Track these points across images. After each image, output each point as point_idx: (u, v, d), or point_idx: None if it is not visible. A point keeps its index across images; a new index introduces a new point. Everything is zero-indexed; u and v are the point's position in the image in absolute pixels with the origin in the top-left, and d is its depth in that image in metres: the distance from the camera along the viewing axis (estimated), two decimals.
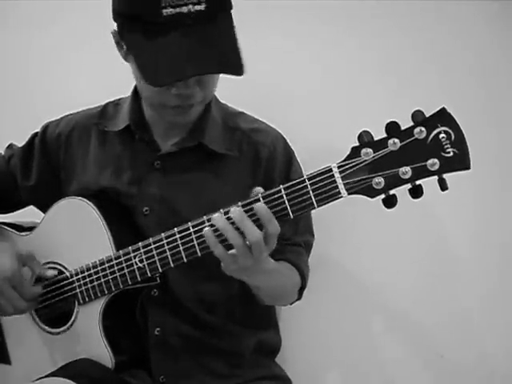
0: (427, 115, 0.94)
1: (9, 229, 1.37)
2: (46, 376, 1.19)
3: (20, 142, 1.45)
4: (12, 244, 1.30)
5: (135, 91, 1.32)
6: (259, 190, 1.02)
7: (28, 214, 1.45)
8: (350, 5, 1.46)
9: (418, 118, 0.94)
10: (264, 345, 1.35)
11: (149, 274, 1.15)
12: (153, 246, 1.13)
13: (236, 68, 1.08)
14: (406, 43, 1.43)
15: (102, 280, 1.19)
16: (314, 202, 0.99)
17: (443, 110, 0.94)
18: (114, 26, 1.17)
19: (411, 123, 0.94)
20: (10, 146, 1.46)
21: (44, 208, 1.33)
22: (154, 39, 1.07)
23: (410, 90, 1.40)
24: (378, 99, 1.42)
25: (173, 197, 1.26)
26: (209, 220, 1.06)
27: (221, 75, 1.19)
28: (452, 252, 1.44)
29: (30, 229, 1.34)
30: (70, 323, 1.25)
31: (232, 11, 1.13)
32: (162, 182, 1.27)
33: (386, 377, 1.49)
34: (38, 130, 1.42)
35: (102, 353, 1.20)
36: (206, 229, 1.03)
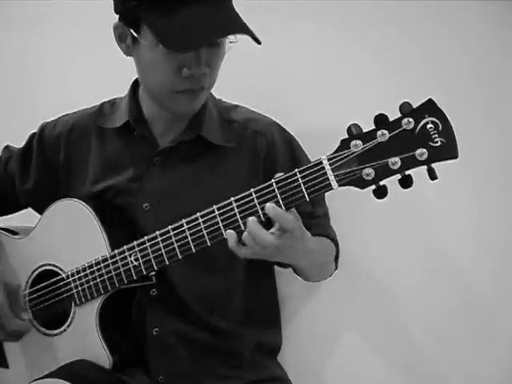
0: (414, 106, 0.95)
1: (4, 232, 1.38)
2: (43, 377, 1.19)
3: (17, 143, 1.46)
4: (5, 262, 1.33)
5: (132, 89, 1.34)
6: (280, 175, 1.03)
7: (26, 217, 1.46)
8: (349, 3, 1.47)
9: (405, 109, 0.96)
10: (265, 344, 1.35)
11: (144, 272, 1.16)
12: (148, 244, 1.15)
13: (254, 36, 1.11)
14: (403, 41, 1.44)
15: (98, 280, 1.20)
16: (306, 195, 1.00)
17: (430, 101, 0.95)
18: (115, 20, 1.20)
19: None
20: (7, 148, 1.47)
21: (42, 210, 1.34)
22: (174, 13, 1.10)
23: (406, 88, 1.40)
24: (374, 97, 1.42)
25: (173, 191, 1.27)
26: (202, 216, 1.08)
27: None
28: (452, 252, 1.43)
29: (25, 233, 1.35)
30: (66, 324, 1.26)
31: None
32: (162, 177, 1.28)
33: (387, 376, 1.49)
34: (35, 130, 1.43)
35: (99, 353, 1.21)
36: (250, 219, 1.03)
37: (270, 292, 1.41)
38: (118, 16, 1.20)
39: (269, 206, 1.01)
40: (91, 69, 1.71)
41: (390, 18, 1.44)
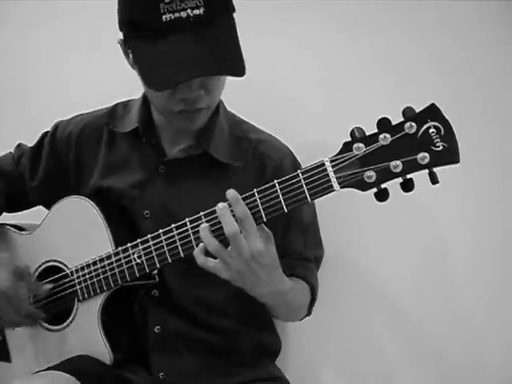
0: (417, 111, 0.96)
1: (11, 228, 1.39)
2: (44, 370, 1.21)
3: (28, 142, 1.48)
4: (12, 254, 1.33)
5: (144, 96, 1.34)
6: (231, 192, 1.04)
7: (33, 215, 1.47)
8: (348, 3, 1.48)
9: (408, 113, 0.97)
10: (264, 345, 1.36)
11: (147, 270, 1.17)
12: (151, 243, 1.16)
13: (237, 69, 1.09)
14: (402, 41, 1.45)
15: (102, 276, 1.21)
16: (308, 196, 1.01)
17: (433, 106, 0.96)
18: (121, 35, 1.20)
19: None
20: (19, 146, 1.48)
21: (49, 207, 1.35)
22: (154, 44, 1.09)
23: (406, 89, 1.41)
24: (373, 98, 1.44)
25: (174, 203, 1.28)
26: (206, 215, 1.09)
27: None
28: (453, 252, 1.44)
29: (32, 229, 1.37)
30: (69, 320, 1.27)
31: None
32: (165, 187, 1.29)
33: (386, 377, 1.49)
34: (48, 129, 1.44)
35: (100, 349, 1.22)
36: (202, 225, 1.06)
37: None
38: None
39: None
40: (92, 69, 1.72)
41: (391, 20, 1.46)
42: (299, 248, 1.31)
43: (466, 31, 1.41)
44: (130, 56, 1.18)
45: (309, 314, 1.34)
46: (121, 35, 1.19)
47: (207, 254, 1.07)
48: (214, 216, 1.08)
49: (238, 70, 1.10)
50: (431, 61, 1.42)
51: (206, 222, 1.09)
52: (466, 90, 1.40)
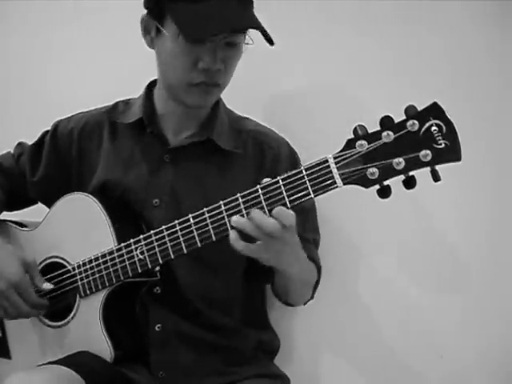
0: (419, 109, 0.97)
1: (13, 225, 1.40)
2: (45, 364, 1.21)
3: (27, 141, 1.48)
4: (17, 247, 1.33)
5: (148, 88, 1.38)
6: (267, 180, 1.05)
7: (34, 213, 1.47)
8: (350, 4, 1.50)
9: (410, 111, 0.98)
10: (264, 344, 1.37)
11: (149, 266, 1.18)
12: (154, 238, 1.16)
13: (268, 36, 1.16)
14: (404, 43, 1.46)
15: (104, 272, 1.22)
16: (311, 192, 1.02)
17: (435, 104, 0.98)
18: (143, 13, 1.26)
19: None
20: (20, 144, 1.49)
21: (49, 204, 1.36)
22: (196, 5, 1.15)
23: (406, 89, 1.42)
24: (375, 97, 1.44)
25: (182, 189, 1.30)
26: (208, 212, 1.10)
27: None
28: (452, 252, 1.45)
29: (34, 226, 1.37)
30: (71, 316, 1.27)
31: None
32: (172, 174, 1.31)
33: (385, 377, 1.49)
34: (48, 128, 1.45)
35: (101, 345, 1.22)
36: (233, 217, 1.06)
37: (263, 297, 1.43)
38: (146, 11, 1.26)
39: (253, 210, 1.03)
40: (92, 69, 1.73)
41: (391, 19, 1.47)
42: (299, 231, 1.31)
43: (467, 33, 1.42)
44: (153, 32, 1.24)
45: (312, 297, 1.36)
46: (143, 12, 1.25)
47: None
48: (216, 212, 1.09)
49: (270, 38, 1.17)
50: (435, 63, 1.43)
51: (209, 217, 1.10)
52: (461, 89, 1.41)
